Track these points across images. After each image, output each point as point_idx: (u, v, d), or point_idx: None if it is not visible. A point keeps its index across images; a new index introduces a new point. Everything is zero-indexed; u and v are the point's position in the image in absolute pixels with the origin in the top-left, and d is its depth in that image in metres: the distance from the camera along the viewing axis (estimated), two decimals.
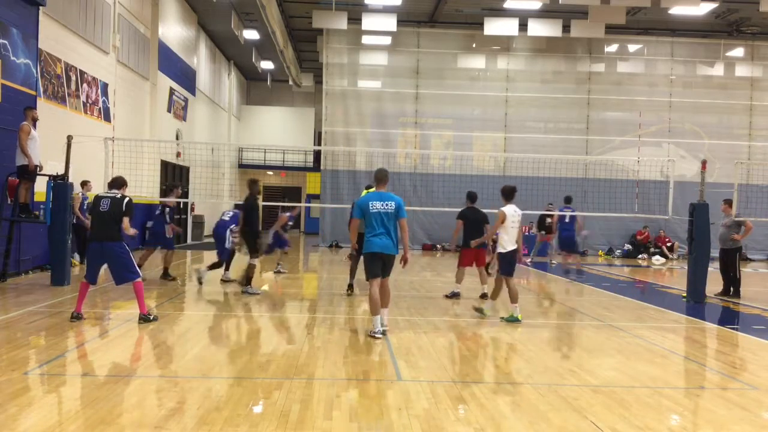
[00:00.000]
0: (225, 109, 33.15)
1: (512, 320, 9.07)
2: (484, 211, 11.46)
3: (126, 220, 8.50)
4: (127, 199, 8.64)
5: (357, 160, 24.69)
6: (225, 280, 12.64)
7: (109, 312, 9.49)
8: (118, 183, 8.93)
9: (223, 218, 12.88)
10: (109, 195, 8.66)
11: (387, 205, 7.85)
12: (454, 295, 11.36)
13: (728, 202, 12.76)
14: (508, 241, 9.22)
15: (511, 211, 9.26)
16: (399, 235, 8.00)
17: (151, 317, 8.42)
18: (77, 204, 14.51)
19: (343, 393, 5.53)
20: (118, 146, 14.50)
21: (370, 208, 7.87)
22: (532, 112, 25.29)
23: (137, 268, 8.72)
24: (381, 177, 8.12)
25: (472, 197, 11.45)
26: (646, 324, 9.52)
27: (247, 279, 11.20)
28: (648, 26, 24.29)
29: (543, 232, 19.47)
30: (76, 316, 8.27)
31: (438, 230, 23.95)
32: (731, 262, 12.73)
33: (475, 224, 11.16)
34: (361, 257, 8.43)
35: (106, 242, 8.35)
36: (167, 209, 12.84)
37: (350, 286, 11.56)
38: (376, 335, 7.76)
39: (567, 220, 17.23)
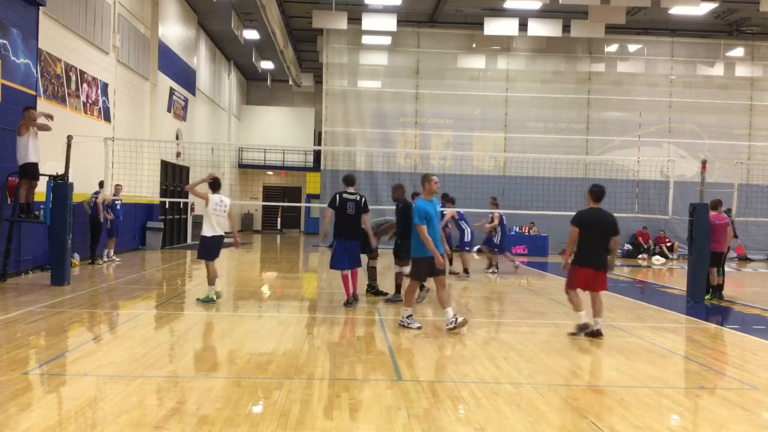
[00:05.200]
0: (225, 109, 33.15)
1: (207, 301, 9.85)
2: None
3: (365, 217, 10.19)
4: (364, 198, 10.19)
5: (357, 160, 24.69)
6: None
7: (110, 312, 9.49)
8: (350, 180, 10.33)
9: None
10: (351, 198, 10.08)
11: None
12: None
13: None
14: (209, 228, 9.99)
15: (217, 199, 9.99)
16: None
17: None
18: (99, 200, 14.85)
19: (343, 393, 5.52)
20: (118, 146, 14.52)
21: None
22: (532, 112, 25.28)
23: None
24: (420, 181, 8.63)
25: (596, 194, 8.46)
26: (646, 324, 9.52)
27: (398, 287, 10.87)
28: (648, 26, 24.29)
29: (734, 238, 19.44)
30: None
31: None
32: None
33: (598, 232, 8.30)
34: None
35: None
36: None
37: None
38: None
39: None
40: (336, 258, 10.17)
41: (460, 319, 8.18)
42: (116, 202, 15.72)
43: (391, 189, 11.16)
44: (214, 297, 10.01)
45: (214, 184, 10.10)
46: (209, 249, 10.09)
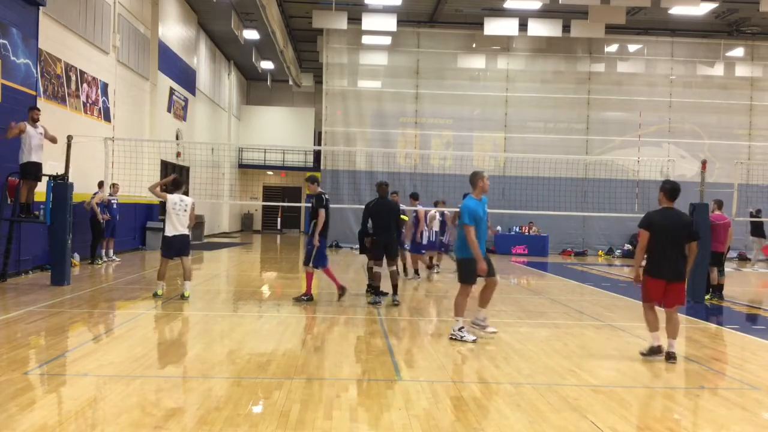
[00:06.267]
0: (225, 109, 33.15)
1: (156, 296, 10.31)
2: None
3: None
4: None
5: (357, 160, 24.70)
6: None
7: (110, 312, 9.48)
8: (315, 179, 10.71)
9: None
10: (328, 198, 10.59)
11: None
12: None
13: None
14: (170, 227, 10.22)
15: (176, 199, 10.23)
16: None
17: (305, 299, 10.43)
18: (96, 200, 14.85)
19: (343, 393, 5.53)
20: (118, 146, 14.51)
21: None
22: (532, 112, 25.29)
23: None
24: (469, 180, 8.09)
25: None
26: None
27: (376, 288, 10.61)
28: (648, 26, 24.30)
29: (761, 238, 19.13)
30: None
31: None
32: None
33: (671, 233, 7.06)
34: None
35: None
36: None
37: None
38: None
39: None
40: (320, 256, 10.42)
41: (469, 338, 7.80)
42: (112, 201, 15.72)
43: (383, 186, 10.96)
44: (159, 292, 10.40)
45: (173, 184, 10.52)
46: (167, 247, 10.38)
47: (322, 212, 10.24)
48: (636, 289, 14.62)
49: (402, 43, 25.00)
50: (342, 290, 10.74)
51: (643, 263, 7.26)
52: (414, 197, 14.58)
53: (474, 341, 7.71)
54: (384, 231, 10.56)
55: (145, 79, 20.32)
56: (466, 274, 7.83)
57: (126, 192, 16.06)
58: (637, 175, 23.72)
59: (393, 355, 7.00)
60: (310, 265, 10.45)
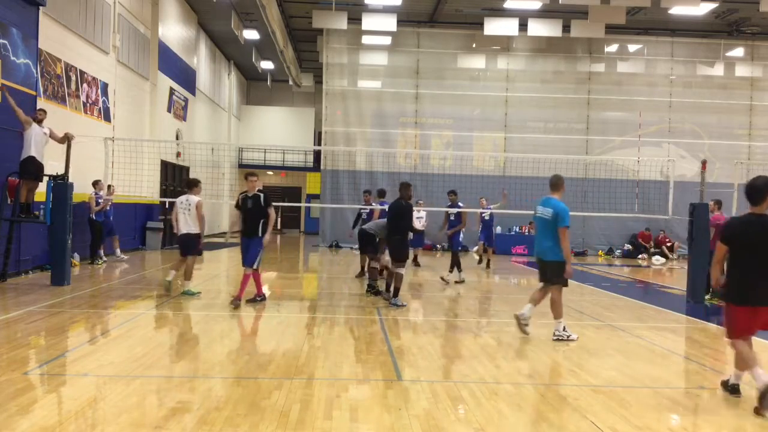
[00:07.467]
0: (225, 109, 33.15)
1: (189, 294, 10.60)
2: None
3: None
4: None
5: (357, 160, 24.69)
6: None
7: (110, 312, 9.49)
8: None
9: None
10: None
11: (546, 211, 8.06)
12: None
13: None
14: (182, 224, 10.54)
15: (183, 198, 10.61)
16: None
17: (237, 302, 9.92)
18: (92, 203, 14.84)
19: (343, 393, 5.53)
20: (118, 146, 14.53)
21: (536, 212, 8.21)
22: (532, 112, 25.27)
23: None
24: (552, 182, 8.29)
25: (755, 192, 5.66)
26: (646, 324, 9.52)
27: (395, 290, 10.29)
28: (648, 26, 24.30)
29: None
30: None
31: (438, 230, 23.98)
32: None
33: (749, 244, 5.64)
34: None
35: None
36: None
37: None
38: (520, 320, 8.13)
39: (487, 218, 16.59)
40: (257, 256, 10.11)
41: (574, 336, 7.97)
42: (107, 200, 15.63)
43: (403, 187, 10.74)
44: (168, 278, 10.73)
45: (186, 184, 11.03)
46: (180, 245, 10.89)
47: (272, 211, 10.06)
48: (635, 289, 14.64)
49: (402, 43, 25.00)
50: (262, 296, 10.22)
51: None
52: (368, 193, 15.21)
53: (576, 339, 7.93)
54: (388, 231, 10.63)
55: (145, 79, 20.31)
56: (561, 276, 7.98)
57: (126, 192, 16.05)
58: (637, 175, 23.73)
59: (393, 355, 6.99)
60: (256, 266, 10.11)
